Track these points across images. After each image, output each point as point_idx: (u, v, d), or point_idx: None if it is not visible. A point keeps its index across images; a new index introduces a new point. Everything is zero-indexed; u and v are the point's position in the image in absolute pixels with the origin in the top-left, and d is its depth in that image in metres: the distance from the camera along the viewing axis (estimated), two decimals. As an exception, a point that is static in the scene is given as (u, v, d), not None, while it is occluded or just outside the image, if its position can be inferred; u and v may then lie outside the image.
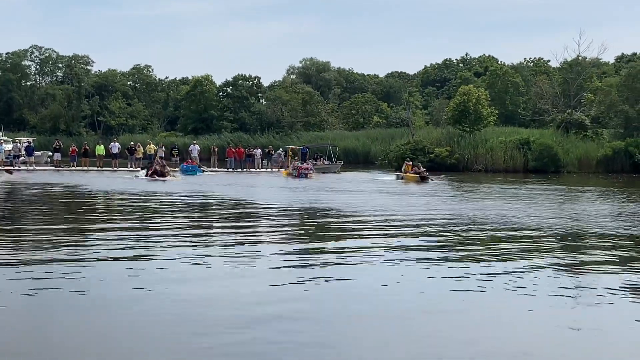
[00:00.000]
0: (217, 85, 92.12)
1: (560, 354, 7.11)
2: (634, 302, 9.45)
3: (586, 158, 56.13)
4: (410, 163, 43.97)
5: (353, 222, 18.04)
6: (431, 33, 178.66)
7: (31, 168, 44.04)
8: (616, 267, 12.03)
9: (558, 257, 12.77)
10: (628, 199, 28.49)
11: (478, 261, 12.16)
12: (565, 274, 11.17)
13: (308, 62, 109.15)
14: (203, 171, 43.48)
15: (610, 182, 43.09)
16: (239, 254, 12.31)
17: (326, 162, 50.69)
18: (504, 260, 12.23)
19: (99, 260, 11.35)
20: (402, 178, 41.33)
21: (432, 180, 39.05)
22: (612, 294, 9.72)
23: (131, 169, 44.84)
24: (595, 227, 17.52)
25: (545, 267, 11.65)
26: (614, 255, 13.32)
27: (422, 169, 41.36)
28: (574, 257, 12.96)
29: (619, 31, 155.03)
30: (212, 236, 14.75)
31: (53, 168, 45.28)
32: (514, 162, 55.74)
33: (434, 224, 17.54)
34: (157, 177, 35.53)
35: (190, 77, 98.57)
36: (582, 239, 15.64)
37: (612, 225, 18.12)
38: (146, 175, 36.81)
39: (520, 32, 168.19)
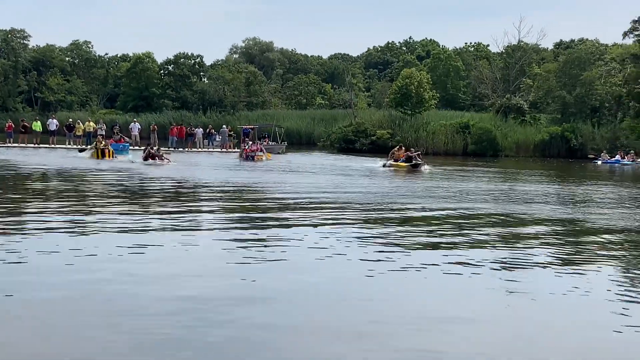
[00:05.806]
0: (159, 63, 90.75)
1: (498, 322, 7.40)
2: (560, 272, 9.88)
3: (524, 142, 57.35)
4: (402, 151, 36.68)
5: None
6: (374, 15, 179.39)
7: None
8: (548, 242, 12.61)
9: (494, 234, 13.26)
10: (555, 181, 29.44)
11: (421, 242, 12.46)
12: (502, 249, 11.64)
13: (251, 42, 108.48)
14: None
15: (546, 165, 44.17)
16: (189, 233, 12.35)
17: (271, 143, 50.49)
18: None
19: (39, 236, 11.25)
20: (387, 166, 34.96)
21: (426, 169, 33.82)
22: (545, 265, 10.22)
23: (69, 146, 43.98)
24: (529, 208, 18.14)
25: (484, 242, 12.17)
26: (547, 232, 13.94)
27: (414, 153, 35.17)
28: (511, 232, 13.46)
29: (557, 17, 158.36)
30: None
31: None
32: (454, 146, 56.45)
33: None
34: (151, 160, 33.48)
35: (130, 54, 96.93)
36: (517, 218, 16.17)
37: (542, 206, 18.77)
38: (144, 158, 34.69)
39: (462, 16, 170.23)
